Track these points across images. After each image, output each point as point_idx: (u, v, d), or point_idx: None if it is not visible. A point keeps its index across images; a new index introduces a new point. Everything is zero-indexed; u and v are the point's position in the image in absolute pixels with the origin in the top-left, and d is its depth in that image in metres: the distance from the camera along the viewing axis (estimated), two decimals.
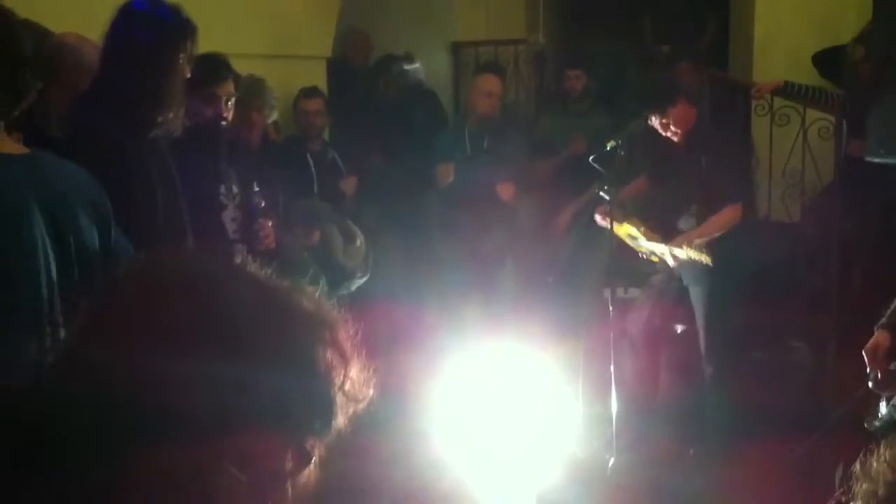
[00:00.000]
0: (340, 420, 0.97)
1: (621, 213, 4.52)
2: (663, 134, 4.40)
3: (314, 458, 0.97)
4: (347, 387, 0.97)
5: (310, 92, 5.36)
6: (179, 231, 2.87)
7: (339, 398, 0.96)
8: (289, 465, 0.96)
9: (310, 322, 0.96)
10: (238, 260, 1.00)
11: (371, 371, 1.00)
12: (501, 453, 1.87)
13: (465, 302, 4.86)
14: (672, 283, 4.56)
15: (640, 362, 4.66)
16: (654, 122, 4.36)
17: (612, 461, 4.12)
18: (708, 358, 4.45)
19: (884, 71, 4.45)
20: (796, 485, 3.80)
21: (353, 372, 0.98)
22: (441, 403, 1.77)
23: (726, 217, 4.33)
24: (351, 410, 0.98)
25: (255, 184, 3.60)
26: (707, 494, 3.93)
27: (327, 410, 0.95)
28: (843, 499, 1.20)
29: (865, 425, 3.15)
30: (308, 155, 5.19)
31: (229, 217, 3.57)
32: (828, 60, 5.93)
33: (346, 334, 0.98)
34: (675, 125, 4.34)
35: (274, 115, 4.51)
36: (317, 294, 1.00)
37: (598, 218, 4.49)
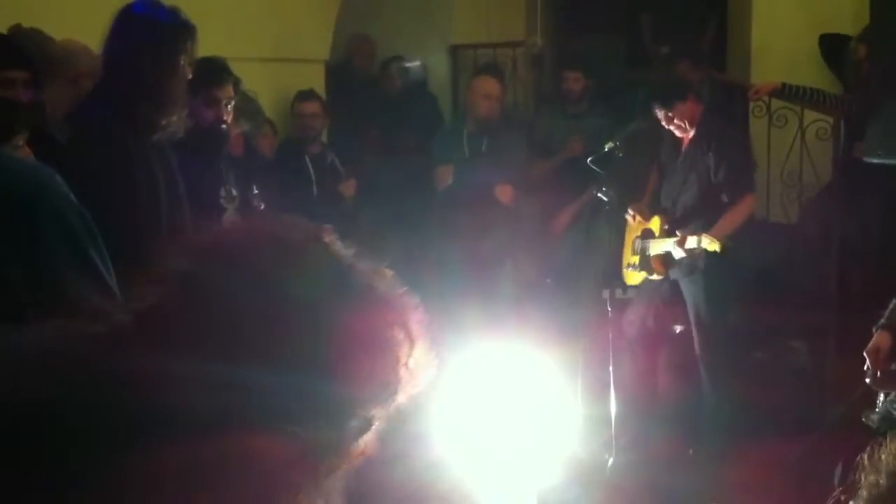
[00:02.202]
0: (402, 396, 1.03)
1: (648, 209, 4.60)
2: (666, 127, 4.42)
3: (374, 426, 1.02)
4: (411, 364, 1.03)
5: (306, 95, 5.35)
6: (182, 233, 2.87)
7: (404, 373, 1.02)
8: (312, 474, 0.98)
9: (384, 302, 1.04)
10: (324, 236, 1.06)
11: (435, 355, 1.06)
12: (501, 454, 1.87)
13: (464, 303, 4.86)
14: (665, 283, 4.56)
15: (639, 363, 4.66)
16: (659, 114, 4.38)
17: (611, 461, 4.12)
18: (701, 358, 4.46)
19: (881, 71, 4.46)
20: (795, 485, 3.81)
21: (418, 352, 1.04)
22: (440, 404, 1.77)
23: (743, 209, 4.37)
24: (413, 388, 1.04)
25: (254, 187, 3.60)
26: (706, 494, 3.94)
27: (392, 384, 1.01)
28: (843, 498, 1.21)
29: (863, 419, 3.18)
30: (306, 158, 5.20)
31: (229, 220, 3.57)
32: (831, 46, 5.94)
33: (416, 316, 1.05)
34: (679, 119, 4.38)
35: (245, 126, 4.45)
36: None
37: (629, 218, 4.63)
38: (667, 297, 4.60)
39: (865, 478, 1.16)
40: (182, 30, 2.84)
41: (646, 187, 4.87)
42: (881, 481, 1.14)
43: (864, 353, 3.17)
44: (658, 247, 4.45)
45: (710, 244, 4.15)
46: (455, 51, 7.15)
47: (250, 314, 0.97)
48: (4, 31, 3.01)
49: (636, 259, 4.57)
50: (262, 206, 3.58)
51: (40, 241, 1.75)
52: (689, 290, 4.46)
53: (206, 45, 3.13)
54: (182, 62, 2.83)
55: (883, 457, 1.15)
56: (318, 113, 5.33)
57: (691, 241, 4.25)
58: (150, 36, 2.78)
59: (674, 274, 4.48)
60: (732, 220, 4.35)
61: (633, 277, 4.59)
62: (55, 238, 1.78)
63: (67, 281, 1.74)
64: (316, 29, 6.08)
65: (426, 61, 6.76)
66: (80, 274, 1.77)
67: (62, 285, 1.73)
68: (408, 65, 6.24)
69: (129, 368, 0.92)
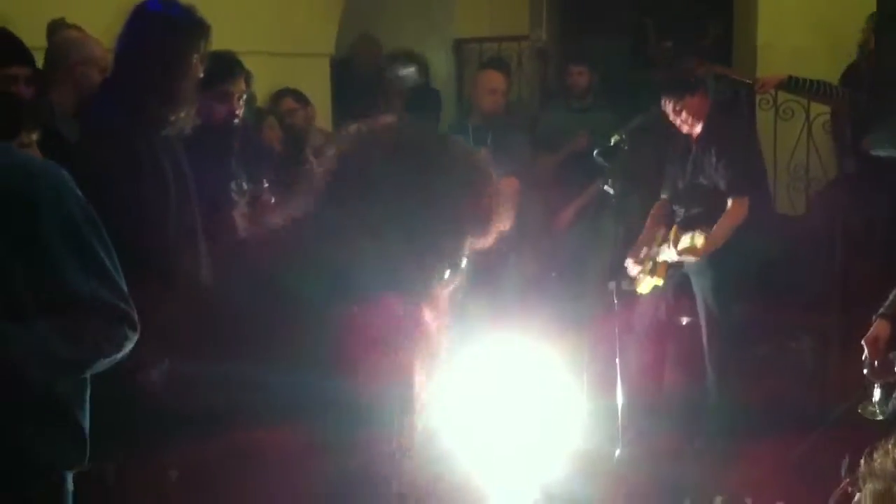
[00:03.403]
0: (488, 241, 1.51)
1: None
2: (673, 121, 4.42)
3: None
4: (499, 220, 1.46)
5: (281, 94, 5.39)
6: (191, 228, 2.87)
7: (493, 226, 1.49)
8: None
9: (487, 174, 1.46)
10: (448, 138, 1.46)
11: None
12: (507, 446, 1.88)
13: (469, 297, 4.86)
14: (675, 276, 4.57)
15: (647, 355, 4.67)
16: (668, 106, 4.38)
17: (617, 454, 4.12)
18: (708, 350, 4.46)
19: (888, 64, 4.45)
20: (800, 479, 3.81)
21: (502, 209, 1.46)
22: (447, 397, 1.78)
23: (733, 214, 4.33)
24: (499, 231, 1.50)
25: (265, 180, 3.60)
26: (711, 487, 3.94)
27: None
28: (850, 489, 1.21)
29: (860, 410, 3.19)
30: (308, 149, 5.20)
31: (239, 214, 3.57)
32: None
33: (499, 186, 1.47)
34: (687, 113, 4.37)
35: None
36: None
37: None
38: (677, 290, 4.61)
39: (866, 483, 1.16)
40: (196, 28, 2.84)
41: (651, 180, 4.88)
42: (889, 489, 1.14)
43: (863, 342, 3.18)
44: (664, 253, 4.48)
45: (698, 239, 4.20)
46: (459, 45, 7.14)
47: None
48: (15, 26, 3.02)
49: (648, 265, 4.57)
50: (273, 200, 3.57)
51: (42, 235, 1.76)
52: (698, 281, 4.48)
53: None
54: (194, 60, 2.83)
55: (881, 461, 1.16)
56: (296, 107, 5.34)
57: (684, 241, 4.28)
58: (163, 33, 2.78)
59: (685, 268, 4.49)
60: (721, 230, 4.34)
61: (644, 285, 4.58)
62: (57, 232, 1.78)
63: (70, 278, 1.73)
64: (321, 23, 6.08)
65: (430, 56, 6.75)
66: (83, 268, 1.76)
67: (65, 283, 1.72)
68: (402, 73, 6.22)
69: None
